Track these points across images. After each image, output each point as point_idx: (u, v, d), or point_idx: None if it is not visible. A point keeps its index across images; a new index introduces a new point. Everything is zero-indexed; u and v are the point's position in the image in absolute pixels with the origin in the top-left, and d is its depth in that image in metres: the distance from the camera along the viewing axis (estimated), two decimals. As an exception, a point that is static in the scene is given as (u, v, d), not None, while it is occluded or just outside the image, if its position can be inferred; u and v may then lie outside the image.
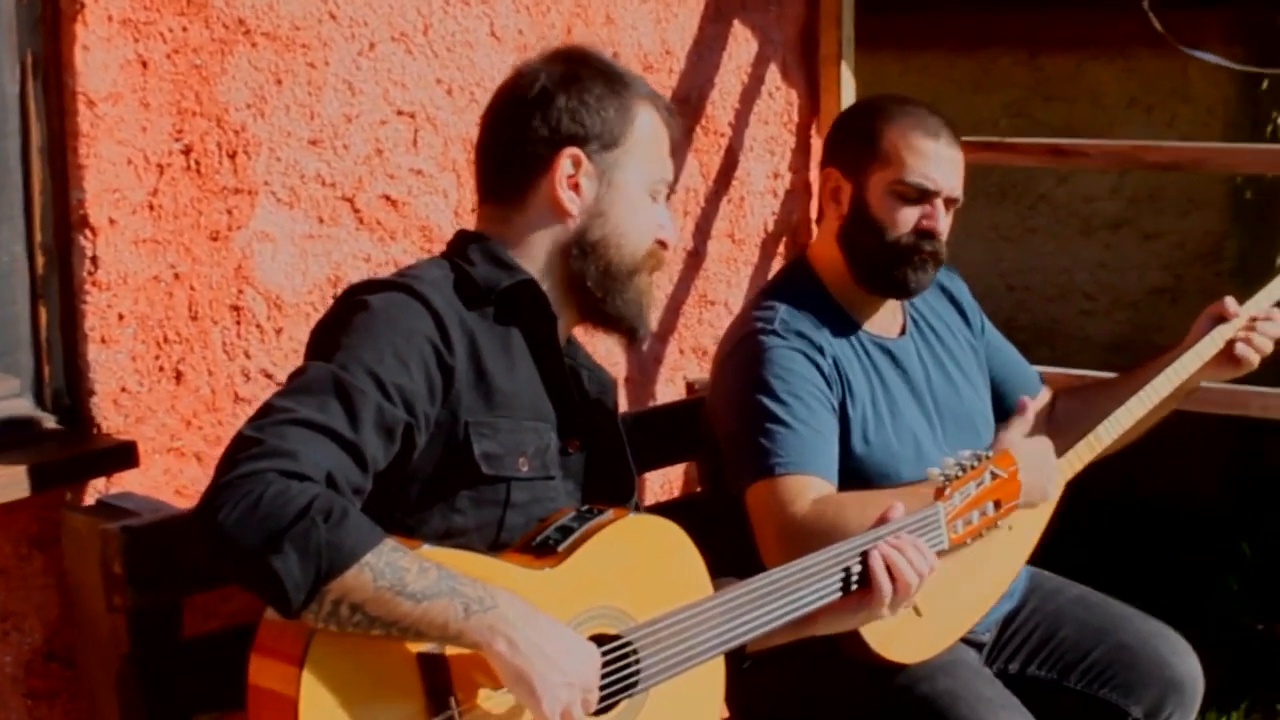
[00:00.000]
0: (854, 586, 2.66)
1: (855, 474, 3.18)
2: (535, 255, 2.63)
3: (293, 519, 2.13)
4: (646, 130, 2.67)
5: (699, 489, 3.95)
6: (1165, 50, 6.02)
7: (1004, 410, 3.57)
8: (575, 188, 2.62)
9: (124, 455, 2.93)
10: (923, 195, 3.25)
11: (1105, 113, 6.98)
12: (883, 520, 2.74)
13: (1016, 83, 7.16)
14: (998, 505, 2.92)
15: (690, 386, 4.14)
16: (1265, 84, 6.92)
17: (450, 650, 2.28)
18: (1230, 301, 3.50)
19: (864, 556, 2.67)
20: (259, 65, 3.18)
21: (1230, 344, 3.46)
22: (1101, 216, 7.05)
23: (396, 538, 2.26)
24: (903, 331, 3.42)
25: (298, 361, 3.22)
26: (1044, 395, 3.68)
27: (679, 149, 3.27)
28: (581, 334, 2.80)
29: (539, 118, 2.62)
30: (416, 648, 2.27)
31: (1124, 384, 3.54)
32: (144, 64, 2.99)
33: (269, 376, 3.24)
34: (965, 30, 7.13)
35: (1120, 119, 6.94)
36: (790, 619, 2.61)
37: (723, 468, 3.23)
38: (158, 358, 3.06)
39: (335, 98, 3.33)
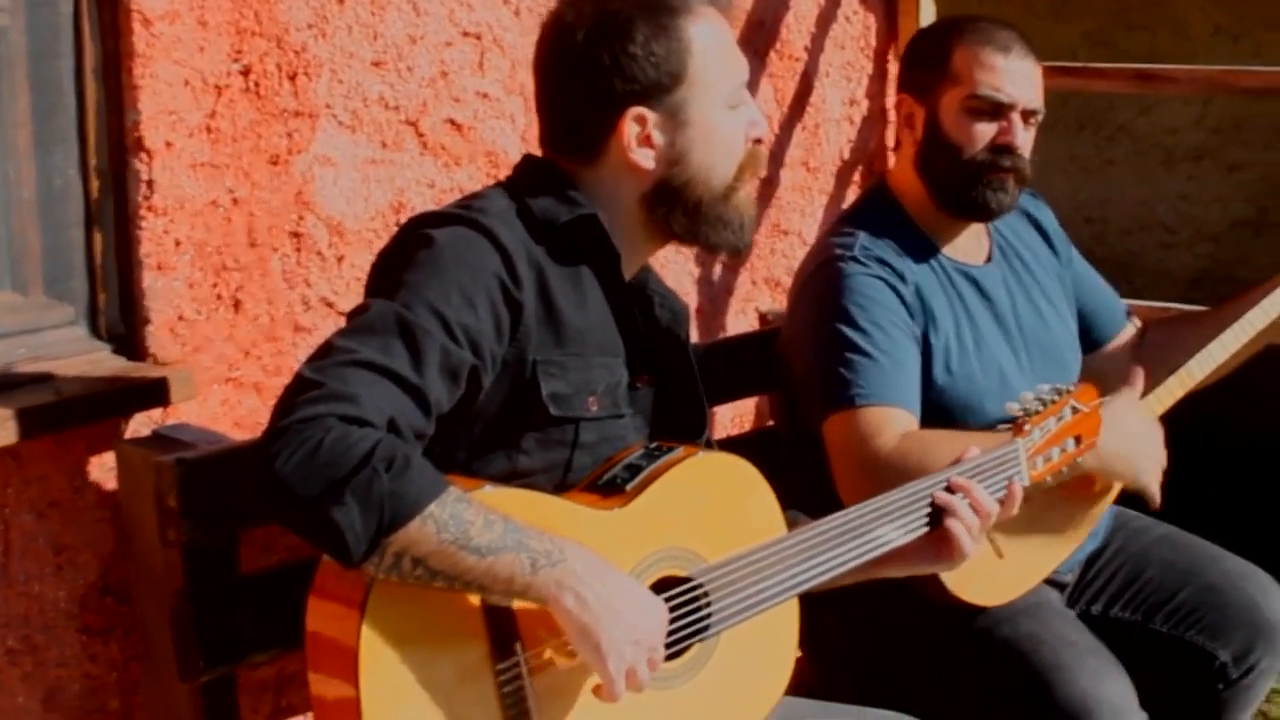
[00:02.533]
0: (927, 527, 2.56)
1: (938, 405, 3.07)
2: (609, 202, 2.48)
3: (354, 467, 2.03)
4: (707, 48, 2.45)
5: (771, 423, 3.85)
6: (1252, -23, 5.87)
7: (1088, 343, 3.46)
8: (647, 141, 2.45)
9: (181, 385, 2.85)
10: (997, 109, 3.14)
11: (1190, 42, 6.82)
12: (959, 461, 2.63)
13: (1097, 11, 7.01)
14: (1078, 441, 2.80)
15: (763, 318, 4.03)
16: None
17: (516, 601, 2.19)
18: None
19: (949, 488, 2.56)
20: (320, -17, 3.08)
21: None
22: (1184, 147, 6.90)
23: (458, 479, 2.17)
24: (989, 258, 3.30)
25: (359, 290, 3.14)
26: (1131, 329, 3.56)
27: (752, 73, 3.11)
28: (653, 260, 2.68)
29: (590, 78, 2.42)
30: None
31: (1214, 318, 3.41)
32: (201, -19, 2.90)
33: (330, 305, 3.15)
34: (1046, -45, 6.98)
35: (1205, 48, 6.77)
36: (865, 560, 2.50)
37: (799, 401, 3.13)
38: (215, 285, 2.97)
39: (399, 18, 3.22)
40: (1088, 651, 3.00)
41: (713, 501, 2.43)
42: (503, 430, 2.35)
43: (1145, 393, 3.14)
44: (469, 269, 2.28)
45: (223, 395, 3.00)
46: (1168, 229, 6.95)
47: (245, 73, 2.98)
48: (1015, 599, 3.05)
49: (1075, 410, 2.78)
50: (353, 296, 3.18)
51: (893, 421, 2.94)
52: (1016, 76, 3.15)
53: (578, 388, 2.39)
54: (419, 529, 2.06)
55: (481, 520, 2.11)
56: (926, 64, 3.21)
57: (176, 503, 2.53)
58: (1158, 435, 3.11)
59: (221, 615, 2.59)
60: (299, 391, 2.11)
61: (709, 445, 2.61)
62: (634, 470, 2.38)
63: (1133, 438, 3.02)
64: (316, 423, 2.06)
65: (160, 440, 2.76)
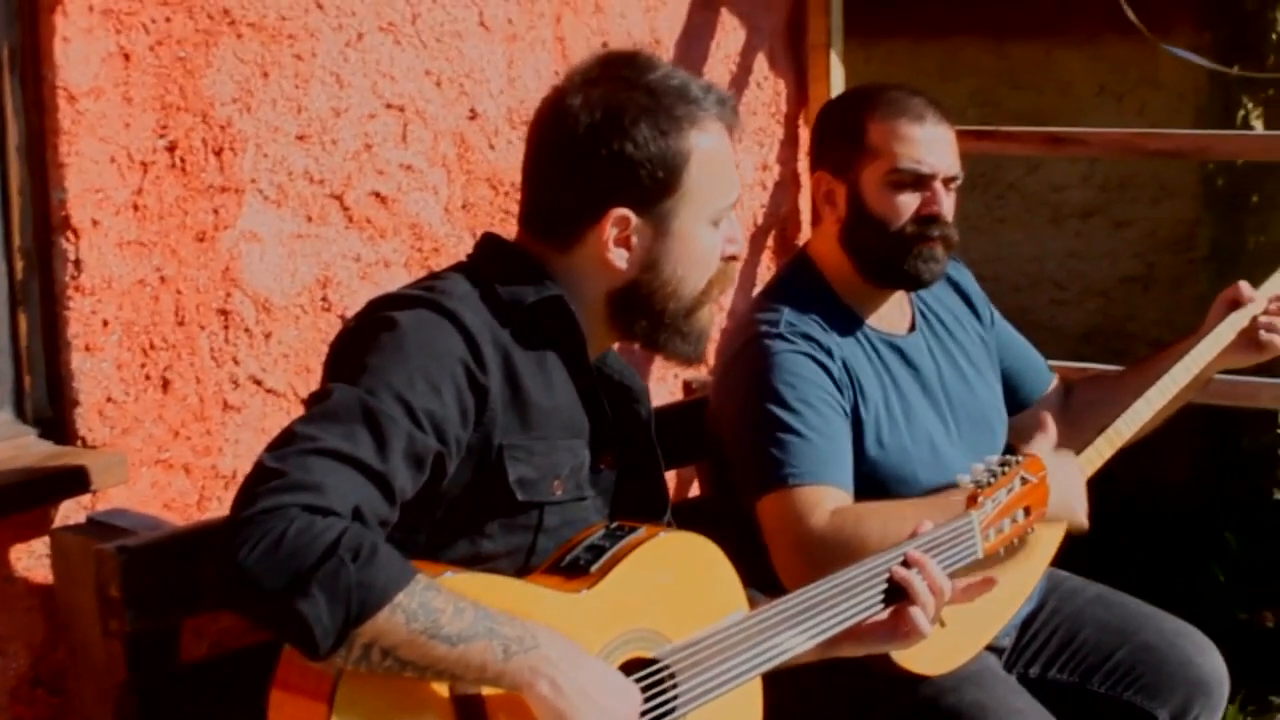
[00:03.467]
0: (891, 601, 2.54)
1: (870, 478, 3.06)
2: (576, 291, 2.45)
3: (319, 558, 1.97)
4: (705, 163, 2.42)
5: (694, 494, 3.83)
6: (1135, 36, 5.93)
7: (1015, 403, 3.47)
8: (625, 243, 2.42)
9: (114, 469, 2.78)
10: (919, 181, 3.13)
11: (1074, 101, 6.89)
12: (914, 535, 2.61)
13: (983, 70, 7.07)
14: (1027, 512, 2.81)
15: (688, 386, 4.00)
16: (1236, 68, 6.86)
17: (485, 688, 2.14)
18: (1244, 286, 3.40)
19: (905, 562, 2.54)
20: (244, 57, 3.03)
21: (1253, 330, 3.36)
22: (1071, 205, 6.97)
23: (420, 564, 2.11)
24: (912, 327, 3.30)
25: (287, 367, 3.11)
26: (1054, 386, 3.57)
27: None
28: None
29: (582, 169, 2.39)
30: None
31: (1136, 375, 3.44)
32: (126, 56, 2.84)
33: (258, 383, 3.09)
34: (931, 18, 7.04)
35: (1090, 106, 6.85)
36: (827, 636, 2.48)
37: (730, 477, 3.10)
38: (144, 365, 2.90)
39: (323, 91, 3.18)
40: (1035, 718, 2.99)
41: (676, 581, 2.40)
42: (466, 515, 2.31)
43: (1078, 443, 3.16)
44: (433, 354, 2.24)
45: (152, 478, 2.93)
46: (1058, 285, 7.02)
47: (171, 148, 2.92)
48: (959, 667, 3.04)
49: (1025, 481, 2.78)
50: (280, 374, 3.12)
51: (826, 500, 2.92)
52: (935, 145, 3.14)
53: (543, 471, 2.36)
54: (388, 619, 2.01)
55: (451, 608, 2.06)
56: (841, 140, 3.18)
57: (119, 592, 2.46)
58: (1077, 471, 3.11)
59: (166, 706, 2.53)
60: (261, 481, 2.05)
61: (669, 525, 2.58)
62: (597, 551, 2.34)
63: (1062, 485, 3.00)
64: (280, 513, 2.01)
65: (97, 527, 2.68)
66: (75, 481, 2.74)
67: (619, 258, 2.42)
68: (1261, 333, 3.36)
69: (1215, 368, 3.43)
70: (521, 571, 2.34)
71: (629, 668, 2.27)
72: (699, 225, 2.45)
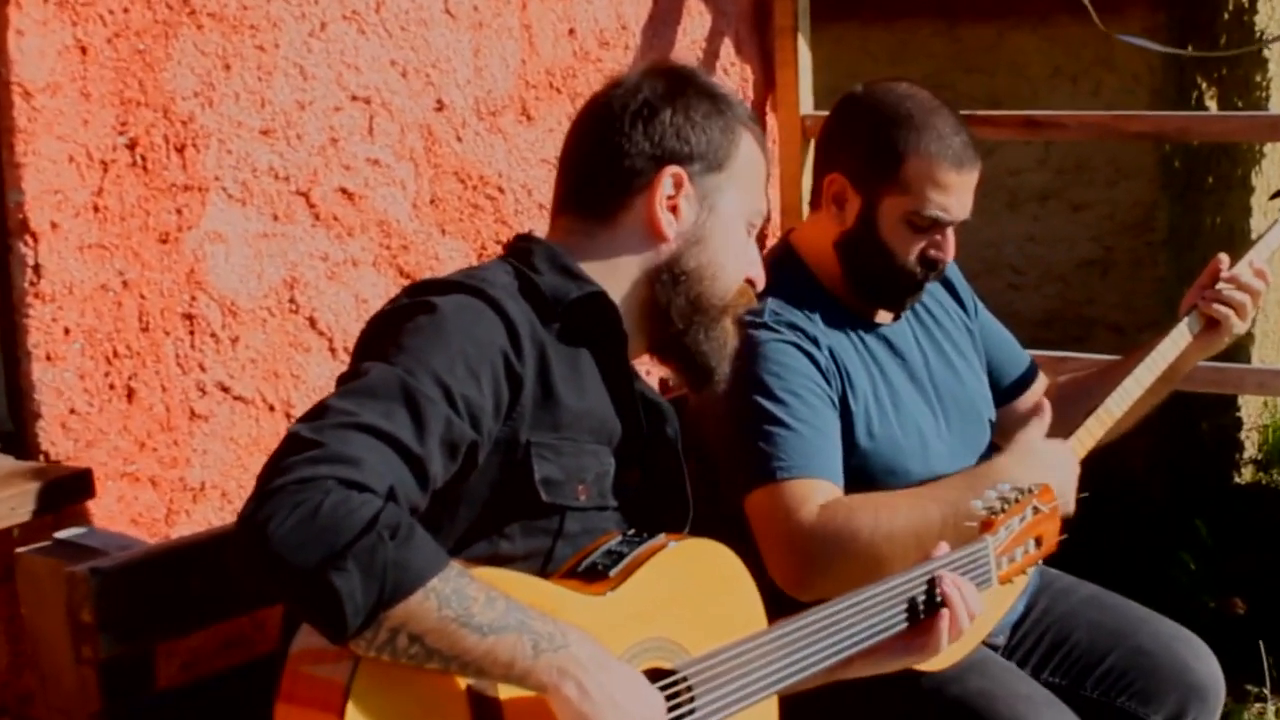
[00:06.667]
0: (921, 616, 2.48)
1: (861, 470, 2.97)
2: (616, 274, 2.43)
3: (357, 533, 1.87)
4: (749, 157, 2.51)
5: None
6: (1088, 18, 5.86)
7: (999, 395, 3.38)
8: (674, 209, 2.44)
9: (80, 485, 2.64)
10: (935, 224, 3.04)
11: (1028, 83, 6.83)
12: (929, 558, 2.54)
13: (935, 54, 7.00)
14: (1038, 542, 2.73)
15: (664, 384, 3.89)
16: (1190, 48, 6.81)
17: (504, 694, 2.03)
18: (1223, 259, 3.30)
19: (930, 584, 2.49)
20: (206, 49, 2.90)
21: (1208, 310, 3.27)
22: (1028, 189, 6.90)
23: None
24: (897, 316, 3.20)
25: (255, 373, 2.99)
26: (1041, 379, 3.49)
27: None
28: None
29: (641, 131, 2.44)
30: (465, 686, 2.02)
31: (1122, 365, 3.35)
32: (83, 50, 2.71)
33: (226, 390, 2.96)
34: (882, 1, 6.97)
35: (1044, 89, 6.79)
36: (848, 654, 2.40)
37: (717, 474, 2.99)
38: (107, 374, 2.77)
39: (286, 83, 3.05)
40: (1044, 704, 2.92)
41: (695, 589, 2.32)
42: (488, 515, 2.23)
43: (1065, 436, 3.08)
44: (474, 340, 2.17)
45: (118, 492, 2.79)
46: (1015, 270, 6.95)
47: (131, 146, 2.79)
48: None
49: (1037, 511, 2.71)
50: (249, 380, 3.00)
51: (816, 493, 2.83)
52: (963, 194, 3.04)
53: (569, 473, 2.29)
54: (420, 603, 1.92)
55: (484, 597, 1.97)
56: (873, 159, 3.03)
57: (93, 617, 2.32)
58: (1069, 456, 3.03)
59: (143, 736, 2.40)
60: (294, 451, 1.95)
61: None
62: (615, 557, 2.26)
63: (1049, 466, 2.93)
64: (314, 484, 1.91)
65: (66, 547, 2.53)
66: (42, 500, 2.61)
67: (667, 223, 2.43)
68: (1213, 308, 3.26)
69: (1197, 352, 3.35)
70: (538, 576, 2.24)
71: (648, 678, 2.18)
72: (738, 219, 2.50)
